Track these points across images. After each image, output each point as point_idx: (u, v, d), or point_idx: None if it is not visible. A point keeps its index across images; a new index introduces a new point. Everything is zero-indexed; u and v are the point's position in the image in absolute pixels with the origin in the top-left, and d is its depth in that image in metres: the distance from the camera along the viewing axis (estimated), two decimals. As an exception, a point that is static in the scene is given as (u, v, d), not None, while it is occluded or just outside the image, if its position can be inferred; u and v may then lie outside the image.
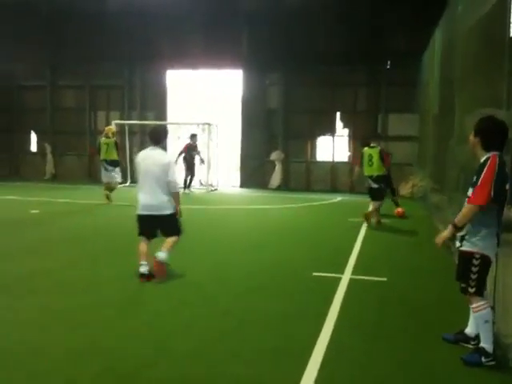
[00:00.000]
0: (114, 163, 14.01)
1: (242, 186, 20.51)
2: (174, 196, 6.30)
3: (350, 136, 19.77)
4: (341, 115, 19.86)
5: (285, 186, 20.00)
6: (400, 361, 4.16)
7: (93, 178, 21.83)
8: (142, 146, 21.20)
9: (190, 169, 17.91)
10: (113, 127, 14.92)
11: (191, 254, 8.07)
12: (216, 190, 19.46)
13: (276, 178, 20.08)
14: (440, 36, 11.96)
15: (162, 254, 6.20)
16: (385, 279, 6.60)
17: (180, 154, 17.58)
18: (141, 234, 6.43)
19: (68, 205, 14.08)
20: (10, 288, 5.97)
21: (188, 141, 18.13)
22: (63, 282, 6.24)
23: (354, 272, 6.88)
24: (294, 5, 19.20)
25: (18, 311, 5.14)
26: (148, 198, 6.24)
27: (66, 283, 6.20)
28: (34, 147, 23.08)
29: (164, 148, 6.69)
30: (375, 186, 10.97)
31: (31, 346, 4.27)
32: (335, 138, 19.96)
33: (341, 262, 7.44)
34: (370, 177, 11.01)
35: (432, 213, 12.03)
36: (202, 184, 19.84)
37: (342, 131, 19.98)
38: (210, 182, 19.28)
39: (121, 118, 21.04)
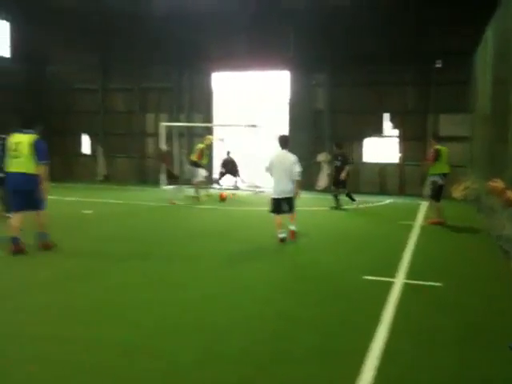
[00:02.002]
0: (195, 165, 15.71)
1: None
2: (297, 182, 9.05)
3: (398, 137, 19.40)
4: (390, 115, 19.51)
5: (332, 188, 19.77)
6: (456, 369, 4.02)
7: (143, 178, 22.31)
8: (190, 148, 21.58)
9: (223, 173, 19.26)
10: (210, 137, 16.49)
11: (241, 255, 8.11)
12: (263, 191, 19.47)
13: (323, 180, 19.93)
14: (492, 34, 11.56)
15: (292, 226, 9.17)
16: (439, 284, 6.42)
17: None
18: (274, 211, 9.09)
19: (119, 206, 14.39)
20: (49, 286, 6.15)
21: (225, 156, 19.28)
22: (117, 281, 6.39)
23: (407, 276, 6.73)
24: (340, 4, 19.02)
25: (70, 308, 5.28)
26: (281, 186, 8.95)
27: (121, 282, 6.35)
28: (86, 149, 23.72)
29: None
30: (443, 183, 11.37)
31: (84, 340, 4.39)
32: (383, 138, 19.62)
33: (393, 265, 7.29)
34: (445, 175, 11.43)
35: (486, 215, 11.65)
36: (247, 185, 19.88)
37: (390, 132, 19.62)
38: (256, 184, 19.32)
39: (169, 120, 21.39)
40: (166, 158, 15.89)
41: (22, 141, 7.69)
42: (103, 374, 3.83)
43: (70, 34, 22.44)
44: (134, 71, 21.95)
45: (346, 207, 14.05)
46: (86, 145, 23.77)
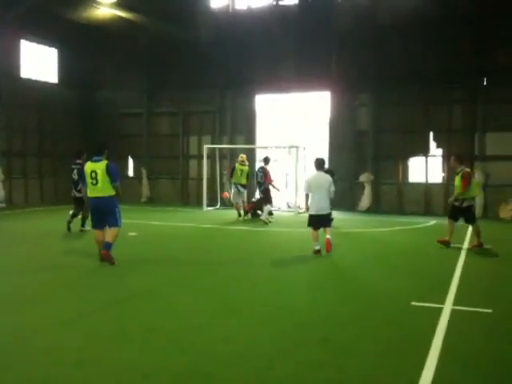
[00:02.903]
0: (244, 187, 16.43)
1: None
2: (330, 200, 10.15)
3: (444, 156, 19.02)
4: (434, 134, 19.17)
5: (375, 209, 19.54)
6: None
7: (185, 200, 22.58)
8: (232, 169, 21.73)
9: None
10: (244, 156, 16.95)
11: (284, 279, 8.08)
12: (304, 212, 19.38)
13: (365, 201, 19.68)
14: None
15: (329, 236, 9.98)
16: (490, 311, 6.22)
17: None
18: (311, 225, 9.99)
19: (163, 227, 14.58)
20: (97, 313, 6.26)
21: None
22: (167, 304, 6.46)
23: (455, 302, 6.55)
24: (384, 23, 18.96)
25: (127, 333, 5.36)
26: (318, 204, 9.86)
27: (170, 305, 6.42)
28: (131, 172, 24.24)
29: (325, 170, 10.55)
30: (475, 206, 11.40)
31: (140, 366, 4.44)
32: (428, 158, 19.27)
33: (441, 290, 7.12)
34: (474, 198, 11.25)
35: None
36: (289, 206, 19.86)
37: (435, 151, 19.27)
38: (297, 205, 19.25)
39: (212, 143, 21.67)
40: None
41: (95, 169, 8.76)
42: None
43: (117, 60, 23.16)
44: (179, 95, 22.37)
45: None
46: (130, 167, 24.29)
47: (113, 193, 8.88)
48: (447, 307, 6.31)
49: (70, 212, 12.98)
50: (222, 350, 4.88)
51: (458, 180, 10.80)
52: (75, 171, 12.86)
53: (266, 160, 16.50)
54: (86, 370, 4.38)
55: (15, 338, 5.16)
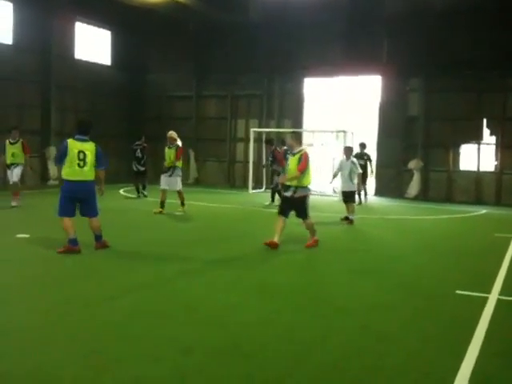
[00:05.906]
0: (167, 171, 14.18)
1: (376, 194, 20.02)
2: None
3: (497, 144, 18.38)
4: (487, 122, 18.53)
5: (423, 196, 19.14)
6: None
7: (231, 182, 22.76)
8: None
9: None
10: (171, 133, 14.35)
11: (324, 264, 8.06)
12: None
13: (414, 188, 19.29)
14: None
15: (351, 216, 12.32)
16: (538, 303, 6.03)
17: None
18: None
19: (208, 208, 14.74)
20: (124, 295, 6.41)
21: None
22: (207, 283, 6.57)
23: (502, 292, 6.38)
24: (437, 7, 18.37)
25: (168, 311, 5.50)
26: (344, 183, 12.66)
27: (210, 285, 6.53)
28: (179, 153, 24.54)
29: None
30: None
31: (180, 342, 4.55)
32: (481, 146, 18.67)
33: (487, 280, 6.94)
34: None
35: None
36: (335, 192, 19.66)
37: (488, 139, 18.63)
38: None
39: (259, 126, 21.69)
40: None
41: (84, 150, 7.84)
42: (200, 376, 3.96)
43: (168, 44, 23.42)
44: (227, 78, 22.44)
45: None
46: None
47: (94, 178, 8.01)
48: (493, 297, 6.15)
49: (140, 187, 16.48)
50: (260, 332, 4.91)
51: (293, 162, 8.72)
52: (138, 150, 16.61)
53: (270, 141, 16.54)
54: (129, 344, 4.50)
55: (60, 313, 5.32)
